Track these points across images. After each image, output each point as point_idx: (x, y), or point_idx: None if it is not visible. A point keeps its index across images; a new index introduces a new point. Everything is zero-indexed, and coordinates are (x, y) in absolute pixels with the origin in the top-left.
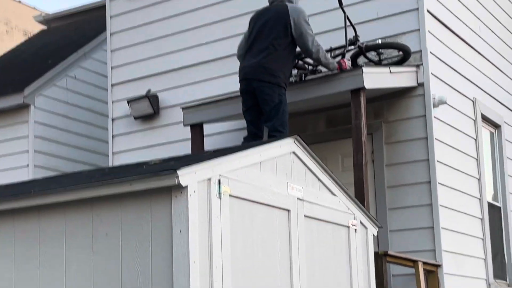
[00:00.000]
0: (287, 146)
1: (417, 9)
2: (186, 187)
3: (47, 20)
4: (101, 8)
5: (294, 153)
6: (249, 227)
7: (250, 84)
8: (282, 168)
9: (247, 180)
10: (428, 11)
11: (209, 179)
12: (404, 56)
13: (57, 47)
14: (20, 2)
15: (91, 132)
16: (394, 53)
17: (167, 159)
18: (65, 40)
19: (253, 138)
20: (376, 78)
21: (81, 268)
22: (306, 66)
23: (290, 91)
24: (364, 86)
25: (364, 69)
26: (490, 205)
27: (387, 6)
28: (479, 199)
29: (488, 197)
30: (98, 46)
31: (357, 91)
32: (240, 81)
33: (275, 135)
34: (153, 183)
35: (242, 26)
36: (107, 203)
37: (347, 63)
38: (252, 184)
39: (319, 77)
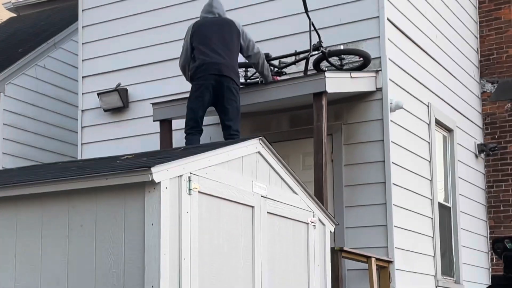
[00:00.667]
0: (253, 146)
1: (378, 17)
2: (159, 183)
3: (17, 7)
4: None
5: (259, 153)
6: (216, 222)
7: (221, 81)
8: (248, 167)
9: (215, 178)
10: (388, 19)
11: (180, 176)
12: (364, 62)
13: (27, 36)
14: None
15: (59, 122)
16: (355, 58)
17: (140, 154)
18: (35, 29)
19: (199, 134)
20: (337, 82)
21: (56, 257)
22: (272, 68)
23: (256, 92)
24: (326, 90)
25: (327, 73)
26: (440, 206)
27: (349, 13)
28: (431, 200)
29: (439, 198)
30: (67, 36)
31: (320, 94)
32: (209, 75)
33: (236, 136)
34: (128, 179)
35: None
36: (83, 195)
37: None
38: (220, 182)
39: (283, 79)
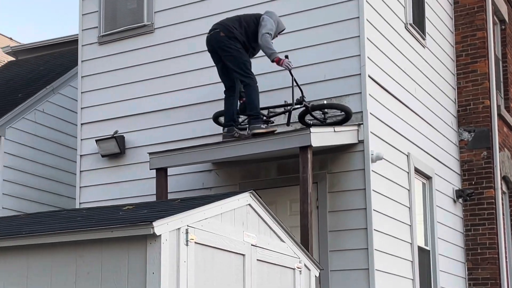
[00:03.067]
0: (244, 199)
1: (360, 74)
2: (160, 235)
3: (15, 51)
4: (68, 43)
5: (250, 205)
6: (210, 269)
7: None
8: (239, 218)
9: (210, 229)
10: (369, 76)
11: (179, 229)
12: (346, 116)
13: (26, 81)
14: None
15: (58, 164)
16: (338, 112)
17: (139, 205)
18: (34, 74)
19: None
20: (321, 136)
21: None
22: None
23: (243, 145)
24: (311, 144)
25: (312, 129)
26: (420, 249)
27: (333, 70)
28: (411, 244)
29: (419, 242)
30: (65, 82)
31: (305, 148)
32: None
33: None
34: (132, 231)
35: (206, 77)
36: (89, 245)
37: (286, 61)
38: (214, 233)
39: (270, 133)
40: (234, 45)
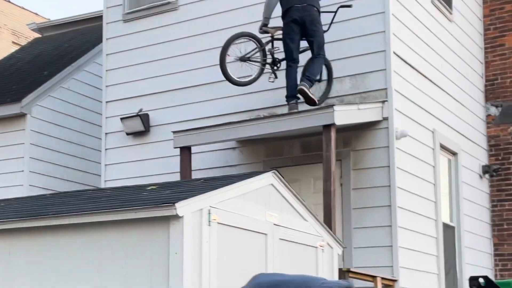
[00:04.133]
0: (266, 180)
1: (385, 51)
2: (182, 217)
3: (41, 28)
4: (92, 19)
5: (272, 185)
6: (232, 249)
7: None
8: (262, 198)
9: (232, 209)
10: (394, 52)
11: (201, 210)
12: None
13: (52, 58)
14: (9, 1)
15: (83, 141)
16: None
17: (163, 185)
18: (59, 51)
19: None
20: (345, 114)
21: (90, 279)
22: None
23: (267, 123)
24: (334, 122)
25: (335, 107)
26: (445, 226)
27: (358, 46)
28: (435, 220)
29: (444, 218)
30: (91, 59)
31: (328, 126)
32: None
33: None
34: (155, 213)
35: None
36: (114, 226)
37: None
38: (236, 213)
39: (294, 112)
40: (321, 22)
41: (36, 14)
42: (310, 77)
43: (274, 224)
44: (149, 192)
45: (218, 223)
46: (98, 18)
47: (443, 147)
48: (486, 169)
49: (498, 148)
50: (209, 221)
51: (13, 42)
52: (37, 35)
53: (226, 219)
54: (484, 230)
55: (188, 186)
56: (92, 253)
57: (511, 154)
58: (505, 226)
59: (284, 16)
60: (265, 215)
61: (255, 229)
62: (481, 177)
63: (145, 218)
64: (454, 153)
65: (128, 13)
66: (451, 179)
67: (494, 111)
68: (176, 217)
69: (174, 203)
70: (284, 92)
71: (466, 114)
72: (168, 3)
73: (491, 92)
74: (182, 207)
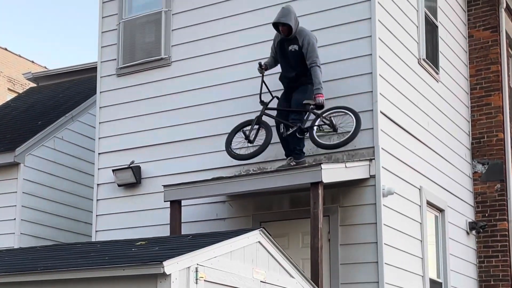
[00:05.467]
0: (253, 237)
1: (372, 110)
2: (170, 275)
3: (36, 78)
4: (87, 70)
5: (259, 242)
6: None
7: None
8: (249, 256)
9: (219, 267)
10: (381, 112)
11: (189, 267)
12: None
13: (46, 108)
14: (6, 49)
15: (76, 190)
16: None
17: (152, 240)
18: (54, 101)
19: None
20: (333, 172)
21: None
22: None
23: (255, 180)
24: (322, 180)
25: (323, 165)
26: (432, 282)
27: (346, 105)
28: (422, 276)
29: (431, 274)
30: (84, 110)
31: (316, 184)
32: None
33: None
34: (143, 270)
35: (221, 110)
36: (103, 282)
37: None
38: (223, 271)
39: (283, 169)
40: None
41: (33, 62)
42: (296, 152)
43: (261, 281)
44: (138, 248)
45: (205, 280)
46: (92, 69)
47: (430, 204)
48: (473, 226)
49: (485, 205)
50: (196, 279)
51: (9, 89)
52: (33, 84)
53: (213, 276)
54: (471, 286)
55: (176, 242)
56: None
57: (498, 211)
58: (492, 283)
59: None
60: (252, 272)
61: (242, 287)
62: (468, 233)
63: (133, 275)
64: (441, 210)
65: (121, 68)
66: (438, 235)
67: (480, 168)
68: (164, 275)
69: (162, 261)
70: (273, 148)
71: (453, 171)
72: (161, 59)
73: (478, 150)
74: (170, 265)
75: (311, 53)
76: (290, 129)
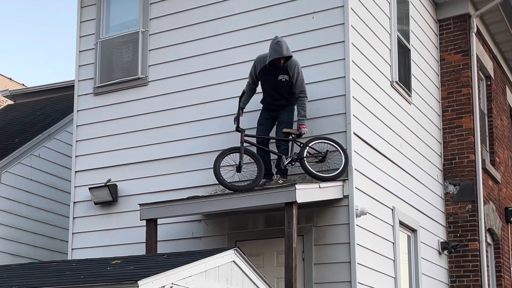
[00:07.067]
0: (228, 256)
1: (345, 131)
2: None
3: (13, 95)
4: (65, 88)
5: (234, 262)
6: None
7: None
8: (223, 275)
9: (194, 286)
10: (354, 133)
11: (163, 287)
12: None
13: (23, 126)
14: None
15: (53, 208)
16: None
17: (127, 259)
18: (31, 119)
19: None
20: (307, 192)
21: None
22: None
23: (230, 199)
24: (296, 200)
25: (297, 185)
26: None
27: (318, 127)
28: None
29: None
30: (61, 128)
31: (290, 204)
32: None
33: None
34: None
35: (197, 129)
36: None
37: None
38: None
39: (258, 188)
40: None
41: (10, 79)
42: (284, 172)
43: None
44: (113, 267)
45: None
46: (70, 87)
47: (402, 224)
48: (444, 246)
49: (457, 225)
50: None
51: None
52: (10, 102)
53: None
54: None
55: (152, 261)
56: None
57: (469, 231)
58: None
59: None
60: None
61: None
62: (440, 253)
63: None
64: (413, 230)
65: (99, 87)
66: (411, 255)
67: (452, 189)
68: None
69: (136, 280)
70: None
71: (425, 192)
72: (138, 78)
73: (449, 171)
74: (145, 284)
75: (300, 83)
76: (285, 158)
